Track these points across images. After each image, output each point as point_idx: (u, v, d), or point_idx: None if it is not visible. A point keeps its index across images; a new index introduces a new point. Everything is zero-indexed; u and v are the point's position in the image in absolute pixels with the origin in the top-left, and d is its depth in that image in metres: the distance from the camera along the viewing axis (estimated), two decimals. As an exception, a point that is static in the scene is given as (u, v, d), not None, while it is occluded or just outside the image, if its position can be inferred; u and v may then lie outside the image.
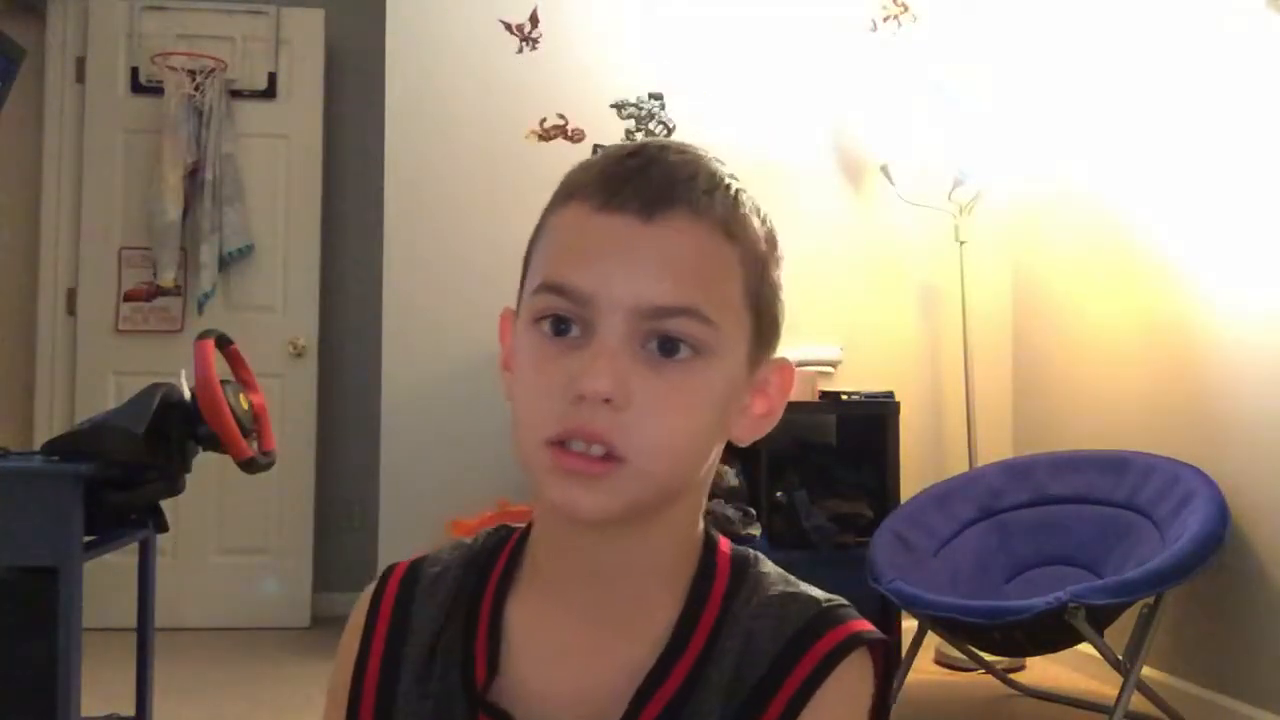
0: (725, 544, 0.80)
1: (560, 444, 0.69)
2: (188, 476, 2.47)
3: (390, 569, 0.84)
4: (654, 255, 0.69)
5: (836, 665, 0.72)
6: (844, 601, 0.77)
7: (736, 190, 0.74)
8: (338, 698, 0.80)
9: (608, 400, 0.67)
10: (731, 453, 3.51)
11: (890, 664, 0.76)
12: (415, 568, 0.83)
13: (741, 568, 0.78)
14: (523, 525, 0.82)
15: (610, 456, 0.68)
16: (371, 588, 0.83)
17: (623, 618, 0.75)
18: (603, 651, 0.75)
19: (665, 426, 0.69)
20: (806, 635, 0.74)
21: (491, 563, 0.81)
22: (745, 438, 0.77)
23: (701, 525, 0.79)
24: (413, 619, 0.80)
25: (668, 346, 0.70)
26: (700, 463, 0.74)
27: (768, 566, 0.80)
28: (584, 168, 0.75)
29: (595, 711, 0.73)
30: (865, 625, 0.75)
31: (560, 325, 0.71)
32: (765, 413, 0.77)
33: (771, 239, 0.76)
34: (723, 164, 0.76)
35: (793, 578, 0.80)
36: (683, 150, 0.74)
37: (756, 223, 0.75)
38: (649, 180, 0.71)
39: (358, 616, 0.82)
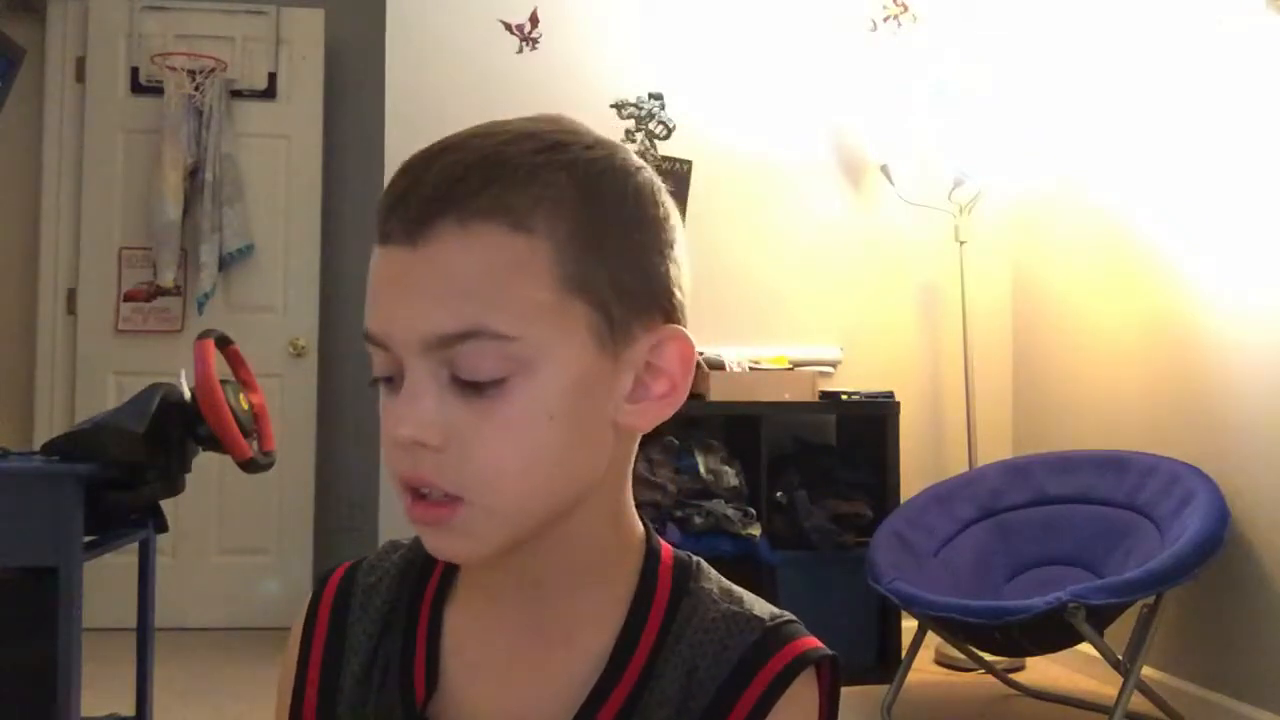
0: (667, 553, 0.75)
1: (411, 489, 0.66)
2: (188, 476, 2.46)
3: (327, 574, 0.81)
4: (425, 282, 0.63)
5: (785, 688, 0.69)
6: (789, 617, 0.73)
7: (535, 166, 0.65)
8: (283, 703, 0.78)
9: (421, 444, 0.64)
10: (731, 452, 3.51)
11: (836, 680, 0.73)
12: (351, 574, 0.80)
13: (682, 580, 0.74)
14: None
15: (448, 497, 0.65)
16: (309, 596, 0.81)
17: (561, 630, 0.72)
18: (543, 666, 0.71)
19: (492, 457, 0.64)
20: (752, 659, 0.70)
21: (426, 573, 0.77)
22: (647, 424, 0.70)
23: (638, 529, 0.75)
24: (349, 629, 0.77)
25: (469, 378, 0.65)
26: (565, 476, 0.67)
27: (710, 579, 0.75)
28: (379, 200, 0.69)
29: None
30: (812, 642, 0.72)
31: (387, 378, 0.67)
32: (667, 391, 0.69)
33: (598, 197, 0.66)
34: (531, 137, 0.66)
35: (736, 589, 0.75)
36: (460, 147, 0.66)
37: (569, 189, 0.65)
38: (411, 201, 0.65)
39: (296, 627, 0.80)
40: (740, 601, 0.73)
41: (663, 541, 0.76)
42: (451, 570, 0.76)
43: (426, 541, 0.68)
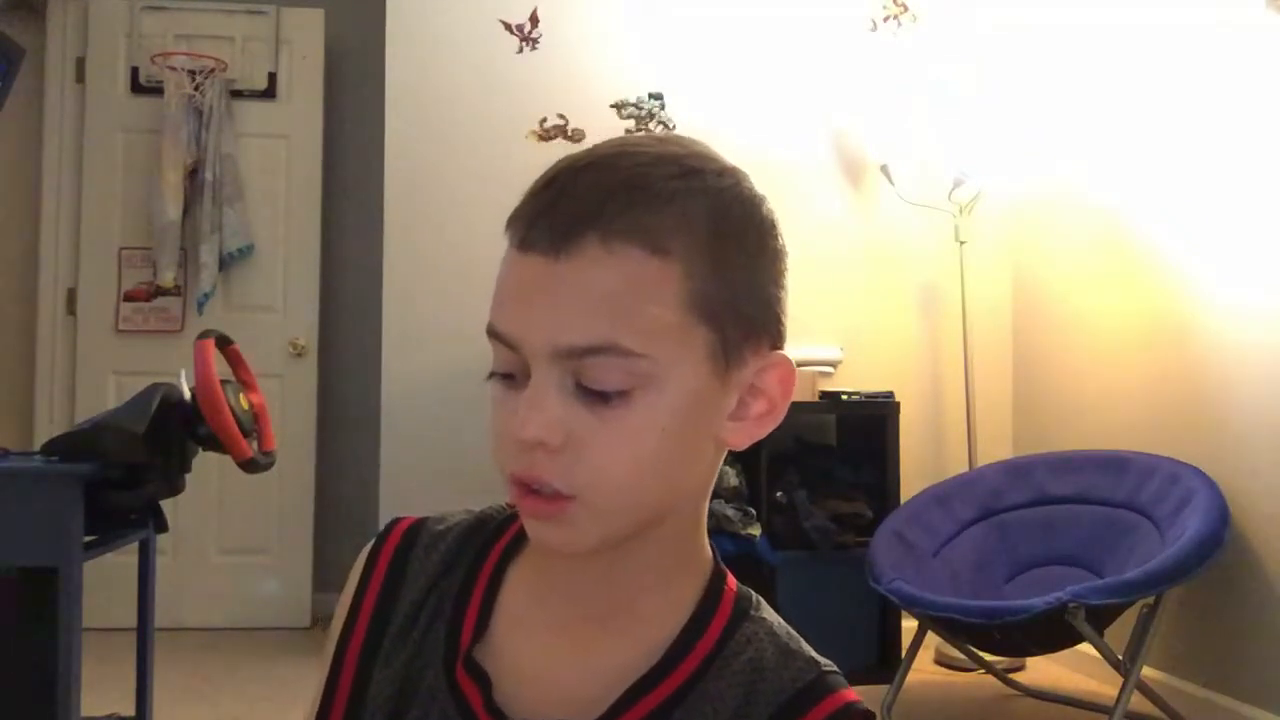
0: (732, 580, 0.79)
1: (520, 483, 0.69)
2: (188, 476, 2.46)
3: (394, 521, 0.85)
4: (564, 294, 0.67)
5: None
6: (835, 668, 0.76)
7: (673, 191, 0.68)
8: (331, 640, 0.81)
9: (542, 444, 0.67)
10: (731, 452, 3.50)
11: None
12: (420, 523, 0.84)
13: (744, 606, 0.77)
14: None
15: (559, 495, 0.68)
16: (373, 540, 0.84)
17: (618, 621, 0.75)
18: (593, 646, 0.74)
19: (605, 462, 0.68)
20: (808, 697, 0.73)
21: (499, 532, 0.81)
22: (743, 441, 0.75)
23: (709, 551, 0.78)
24: (409, 569, 0.81)
25: (594, 388, 0.68)
26: (667, 486, 0.71)
27: (769, 614, 0.78)
28: (523, 197, 0.72)
29: (573, 702, 0.73)
30: (855, 696, 0.74)
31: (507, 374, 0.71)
32: (766, 412, 0.74)
33: (728, 226, 0.70)
34: (670, 160, 0.70)
35: (793, 631, 0.78)
36: (605, 165, 0.69)
37: (704, 222, 0.69)
38: (558, 213, 0.68)
39: (356, 565, 0.83)
40: (798, 641, 0.77)
41: (728, 571, 0.79)
42: (521, 540, 0.79)
43: (532, 532, 0.71)
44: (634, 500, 0.70)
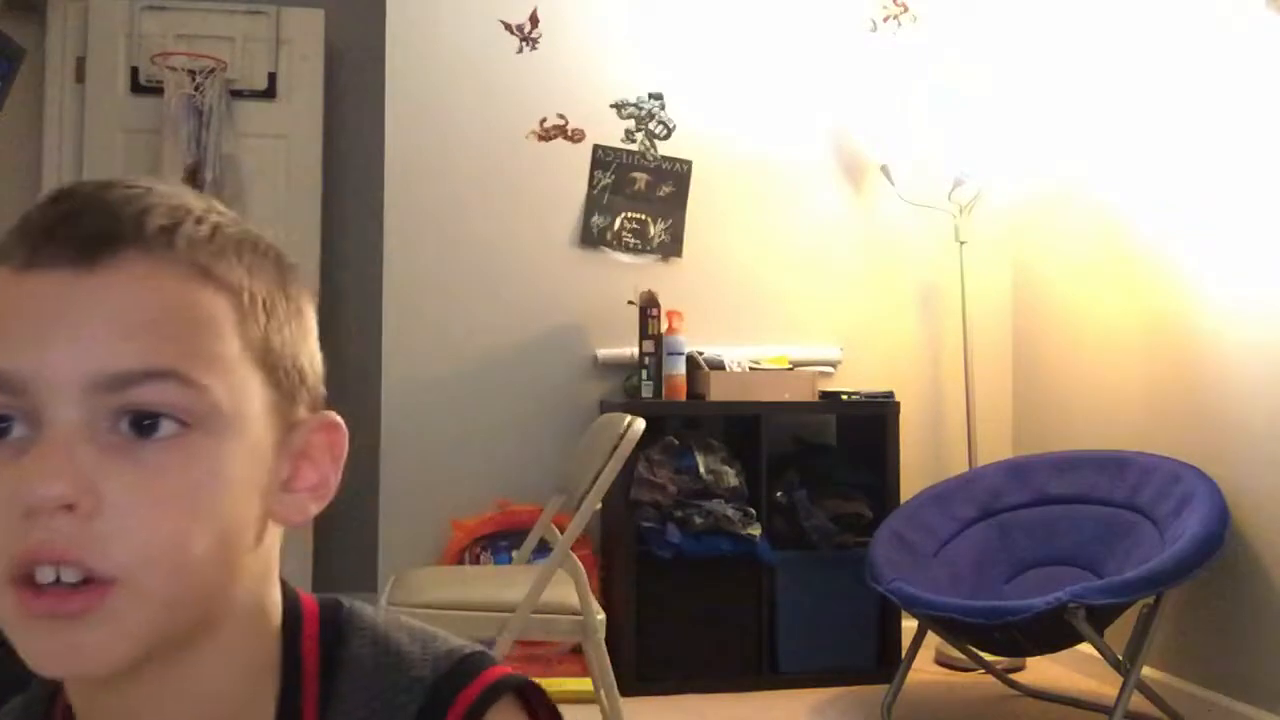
0: (310, 624, 0.66)
1: (26, 580, 0.53)
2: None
3: None
4: (103, 311, 0.55)
5: None
6: (460, 654, 0.64)
7: (215, 224, 0.60)
8: None
9: (70, 507, 0.53)
10: (731, 452, 3.51)
11: (542, 703, 0.65)
12: None
13: (331, 651, 0.65)
14: None
15: (91, 581, 0.53)
16: None
17: None
18: None
19: (156, 527, 0.54)
20: (436, 704, 0.62)
21: (49, 712, 0.65)
22: (293, 519, 0.64)
23: (277, 615, 0.66)
24: None
25: (144, 423, 0.55)
26: (228, 566, 0.59)
27: (358, 641, 0.66)
28: (10, 228, 0.59)
29: None
30: (500, 672, 0.64)
31: None
32: (316, 484, 0.65)
33: (279, 276, 0.62)
34: (198, 196, 0.62)
35: (392, 639, 0.66)
36: (130, 185, 0.59)
37: (250, 259, 0.61)
38: (85, 224, 0.56)
39: None
40: (399, 659, 0.64)
41: (304, 600, 0.68)
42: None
43: (41, 646, 0.54)
44: (192, 581, 0.56)
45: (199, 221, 0.60)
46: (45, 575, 0.53)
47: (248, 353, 0.59)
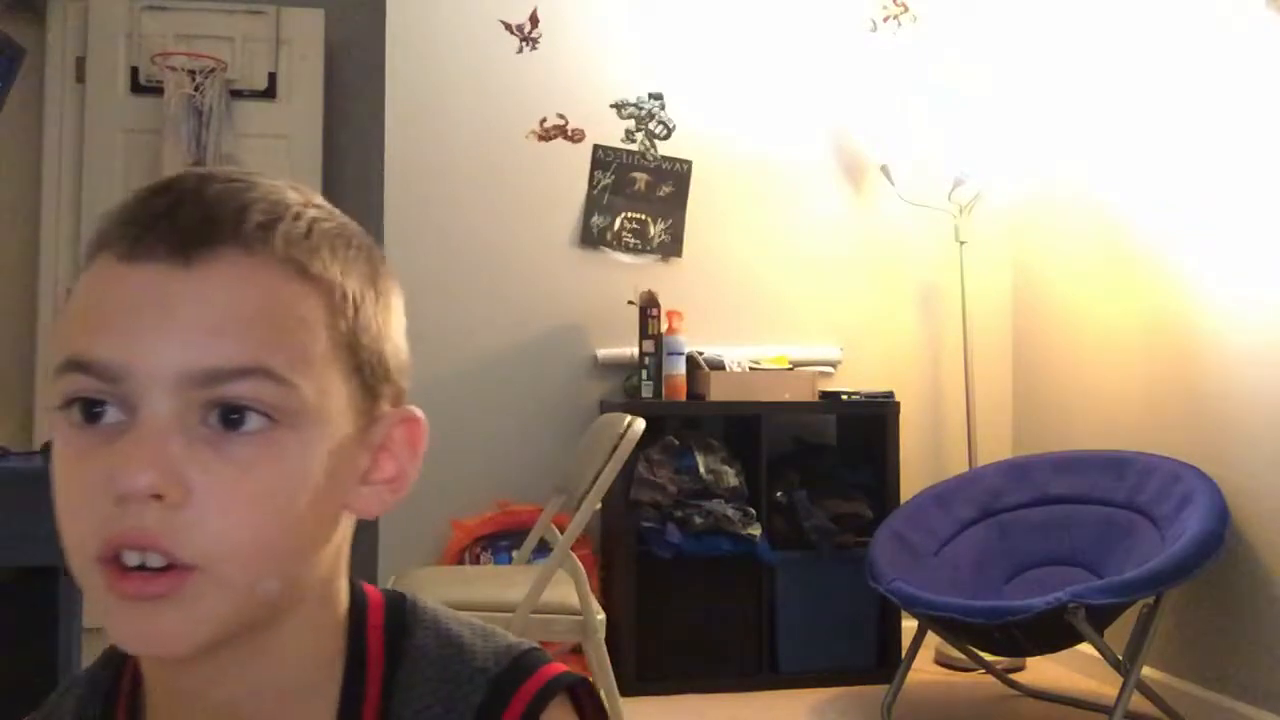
0: (375, 614, 0.68)
1: (113, 560, 0.55)
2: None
3: None
4: (199, 307, 0.56)
5: None
6: (521, 650, 0.66)
7: (312, 219, 0.62)
8: None
9: (158, 497, 0.55)
10: (731, 453, 3.51)
11: (593, 701, 0.67)
12: None
13: (395, 641, 0.67)
14: None
15: (174, 566, 0.55)
16: None
17: None
18: None
19: (238, 519, 0.56)
20: (500, 692, 0.64)
21: (113, 693, 0.67)
22: (371, 510, 0.65)
23: (344, 605, 0.67)
24: None
25: (232, 418, 0.57)
26: (302, 558, 0.61)
27: (425, 628, 0.68)
28: (110, 213, 0.60)
29: None
30: (560, 668, 0.66)
31: (93, 409, 0.56)
32: (394, 476, 0.66)
33: (370, 270, 0.65)
34: (296, 190, 0.64)
35: (454, 630, 0.68)
36: (231, 178, 0.61)
37: (344, 254, 0.63)
38: (183, 217, 0.58)
39: None
40: (460, 650, 0.66)
41: (368, 591, 0.70)
42: (139, 687, 0.66)
43: (125, 625, 0.57)
44: (266, 570, 0.58)
45: (296, 218, 0.61)
46: (131, 559, 0.55)
47: (336, 348, 0.61)
